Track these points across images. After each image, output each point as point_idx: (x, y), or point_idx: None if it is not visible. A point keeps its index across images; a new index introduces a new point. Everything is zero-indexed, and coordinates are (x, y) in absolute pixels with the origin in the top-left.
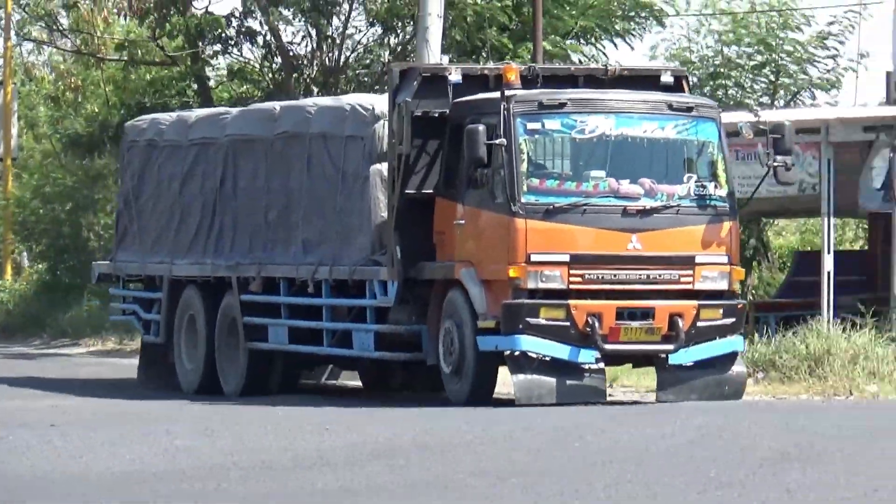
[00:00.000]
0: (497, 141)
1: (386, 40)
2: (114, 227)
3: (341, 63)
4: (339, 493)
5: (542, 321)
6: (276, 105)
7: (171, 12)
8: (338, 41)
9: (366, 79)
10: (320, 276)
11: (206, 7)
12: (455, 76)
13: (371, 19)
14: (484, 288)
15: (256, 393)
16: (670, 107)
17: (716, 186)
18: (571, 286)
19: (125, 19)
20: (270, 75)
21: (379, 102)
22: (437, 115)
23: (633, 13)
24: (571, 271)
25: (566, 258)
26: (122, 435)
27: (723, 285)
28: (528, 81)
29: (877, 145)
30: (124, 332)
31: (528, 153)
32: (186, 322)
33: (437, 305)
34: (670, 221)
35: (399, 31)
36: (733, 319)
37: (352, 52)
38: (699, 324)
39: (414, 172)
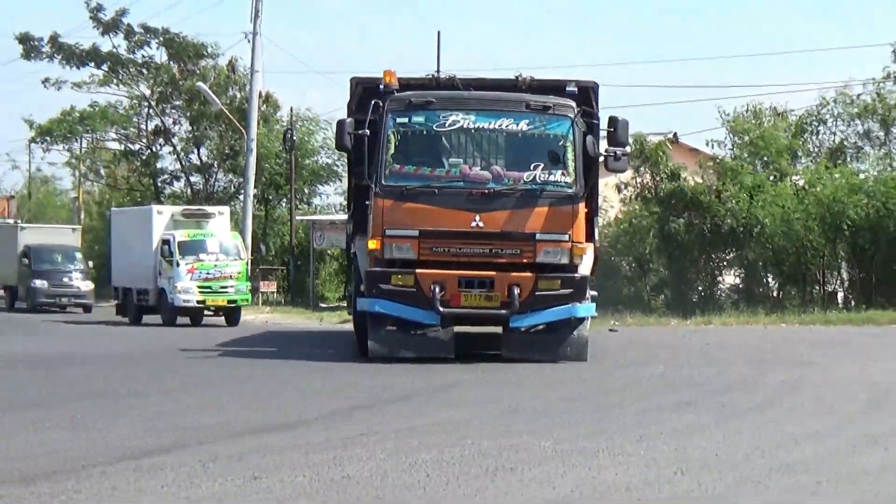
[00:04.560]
0: (360, 132)
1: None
2: None
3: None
4: None
5: (392, 287)
6: None
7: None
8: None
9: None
10: None
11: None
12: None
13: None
14: (367, 258)
15: None
16: (527, 105)
17: (563, 174)
18: (421, 257)
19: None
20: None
21: None
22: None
23: None
24: (421, 244)
25: (416, 233)
26: None
27: (563, 260)
28: (449, 87)
29: None
30: None
31: (394, 143)
32: None
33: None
34: (513, 203)
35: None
36: (571, 290)
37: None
38: (537, 293)
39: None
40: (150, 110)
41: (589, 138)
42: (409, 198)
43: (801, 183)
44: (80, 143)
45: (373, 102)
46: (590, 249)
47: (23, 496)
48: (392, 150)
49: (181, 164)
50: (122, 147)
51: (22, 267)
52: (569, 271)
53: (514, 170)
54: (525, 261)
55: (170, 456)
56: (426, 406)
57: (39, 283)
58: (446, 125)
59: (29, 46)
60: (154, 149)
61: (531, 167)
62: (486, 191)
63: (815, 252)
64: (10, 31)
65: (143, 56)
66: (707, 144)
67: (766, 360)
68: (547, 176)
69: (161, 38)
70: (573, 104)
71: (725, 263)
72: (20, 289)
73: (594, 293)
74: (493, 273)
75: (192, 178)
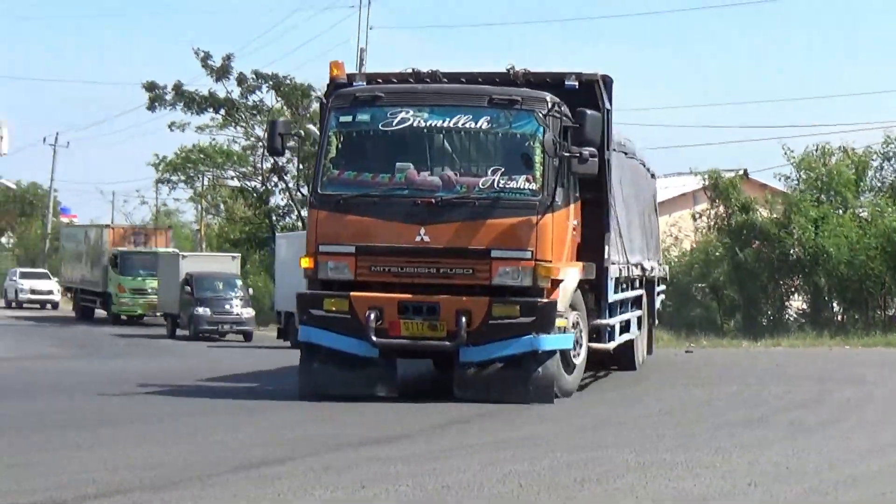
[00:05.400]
0: (293, 133)
1: None
2: None
3: None
4: None
5: (324, 313)
6: None
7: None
8: None
9: None
10: None
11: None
12: (358, 81)
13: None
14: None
15: None
16: (491, 100)
17: (527, 180)
18: (359, 277)
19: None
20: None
21: None
22: None
23: None
24: (358, 263)
25: (352, 249)
26: None
27: (525, 282)
28: (432, 82)
29: None
30: None
31: (335, 145)
32: None
33: None
34: (466, 214)
35: None
36: (533, 318)
37: None
38: (491, 321)
39: None
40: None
41: (548, 136)
42: (346, 208)
43: (863, 215)
44: (202, 181)
45: (319, 102)
46: (573, 270)
47: (152, 502)
48: (333, 154)
49: (291, 199)
50: (240, 185)
51: (184, 295)
52: (532, 295)
53: (470, 175)
54: (479, 283)
55: (284, 466)
56: (517, 421)
57: (202, 310)
58: (394, 124)
59: (154, 94)
60: (268, 186)
61: (490, 172)
62: (434, 200)
63: (877, 279)
64: (131, 79)
65: (255, 101)
66: (775, 177)
67: (831, 379)
68: (507, 182)
69: (271, 83)
70: (547, 98)
71: (793, 290)
72: (182, 316)
73: (624, 317)
74: (438, 297)
75: (303, 213)
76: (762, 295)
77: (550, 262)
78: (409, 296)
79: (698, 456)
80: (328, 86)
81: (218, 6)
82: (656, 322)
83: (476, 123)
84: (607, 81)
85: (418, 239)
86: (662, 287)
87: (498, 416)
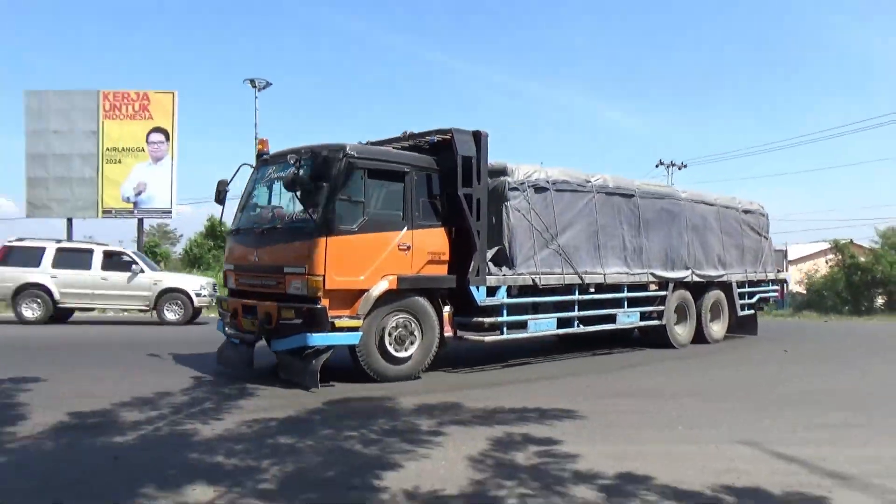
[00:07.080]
0: (224, 188)
1: None
2: None
3: None
4: None
5: (221, 310)
6: None
7: None
8: None
9: None
10: None
11: None
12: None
13: None
14: None
15: None
16: (301, 154)
17: (312, 212)
18: (237, 286)
19: None
20: None
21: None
22: None
23: None
24: (234, 276)
25: (231, 266)
26: None
27: (303, 291)
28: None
29: None
30: None
31: (246, 194)
32: None
33: None
34: (276, 240)
35: None
36: (302, 320)
37: None
38: (281, 321)
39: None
40: None
41: (287, 177)
42: (233, 237)
43: None
44: None
45: (239, 166)
46: (382, 282)
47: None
48: (244, 201)
49: None
50: None
51: None
52: (311, 302)
53: (284, 211)
54: (281, 292)
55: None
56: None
57: None
58: (263, 178)
59: None
60: None
61: (292, 208)
62: (259, 230)
63: None
64: None
65: None
66: (869, 242)
67: None
68: (300, 214)
69: None
70: (339, 149)
71: (878, 294)
72: None
73: (525, 317)
74: (254, 302)
75: None
76: (861, 297)
77: (322, 276)
78: (245, 300)
79: (829, 368)
80: (256, 157)
81: None
82: (741, 312)
83: (294, 172)
84: (477, 136)
85: (253, 259)
86: (762, 288)
87: (692, 357)
